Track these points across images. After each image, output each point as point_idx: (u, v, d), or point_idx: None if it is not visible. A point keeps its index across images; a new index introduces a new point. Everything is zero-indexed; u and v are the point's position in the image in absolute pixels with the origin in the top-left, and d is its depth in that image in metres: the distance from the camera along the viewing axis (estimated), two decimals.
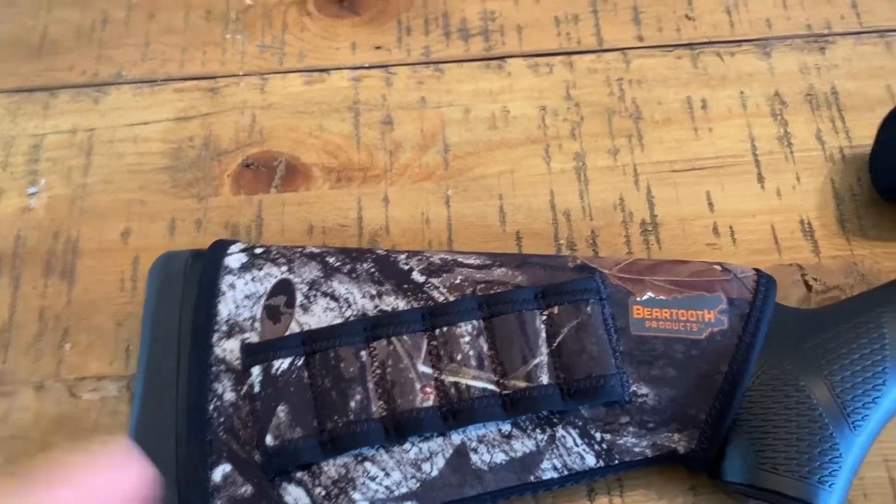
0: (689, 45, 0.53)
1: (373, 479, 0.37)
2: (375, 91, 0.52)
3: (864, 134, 0.49)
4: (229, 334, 0.40)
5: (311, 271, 0.41)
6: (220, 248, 0.42)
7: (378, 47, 0.54)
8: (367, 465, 0.38)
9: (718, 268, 0.41)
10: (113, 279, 0.47)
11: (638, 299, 0.40)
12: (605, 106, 0.51)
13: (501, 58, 0.53)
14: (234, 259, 0.41)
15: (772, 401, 0.38)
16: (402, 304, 0.40)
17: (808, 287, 0.45)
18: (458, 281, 0.41)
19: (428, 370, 0.38)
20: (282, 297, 0.40)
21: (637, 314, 0.40)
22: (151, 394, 0.40)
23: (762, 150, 0.49)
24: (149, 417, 0.39)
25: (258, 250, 0.42)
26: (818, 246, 0.46)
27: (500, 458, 0.38)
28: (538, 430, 0.38)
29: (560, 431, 0.38)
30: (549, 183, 0.49)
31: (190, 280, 0.41)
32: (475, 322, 0.39)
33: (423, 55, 0.53)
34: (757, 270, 0.41)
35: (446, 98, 0.52)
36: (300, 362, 0.38)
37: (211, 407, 0.39)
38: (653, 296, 0.40)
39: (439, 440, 0.38)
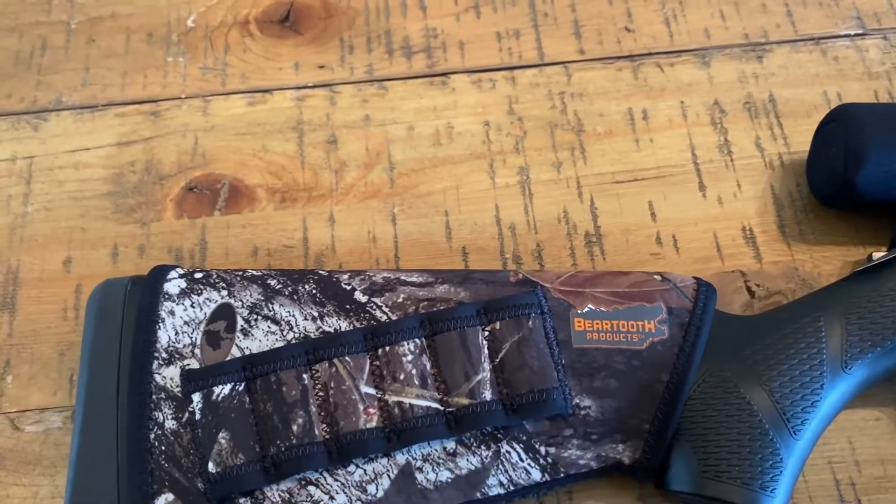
0: (630, 57, 0.53)
1: (317, 503, 0.37)
2: (319, 110, 0.52)
3: (802, 140, 0.50)
4: (169, 361, 0.40)
5: (252, 294, 0.41)
6: (160, 274, 0.41)
7: (321, 66, 0.54)
8: (311, 489, 0.37)
9: (658, 278, 0.41)
10: (55, 308, 0.46)
11: (579, 312, 0.40)
12: (547, 120, 0.51)
13: (444, 74, 0.53)
14: (174, 285, 0.41)
15: (713, 409, 0.38)
16: (344, 325, 0.40)
17: (751, 293, 0.46)
18: (400, 299, 0.41)
19: (371, 391, 0.38)
20: (222, 322, 0.40)
21: (578, 327, 0.40)
22: (91, 424, 0.39)
23: (703, 159, 0.50)
24: (89, 448, 0.39)
25: (198, 275, 0.42)
26: (760, 252, 0.47)
27: (445, 476, 0.38)
28: (483, 447, 0.38)
29: (505, 447, 0.38)
30: (494, 198, 0.49)
31: (129, 307, 0.41)
32: (417, 340, 0.39)
33: (366, 73, 0.53)
34: (697, 279, 0.42)
35: (390, 116, 0.52)
36: (241, 387, 0.38)
37: (152, 436, 0.38)
38: (593, 308, 0.40)
39: (384, 461, 0.38)
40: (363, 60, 0.54)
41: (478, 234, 0.48)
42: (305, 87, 0.53)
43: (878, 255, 0.43)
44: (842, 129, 0.44)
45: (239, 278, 0.41)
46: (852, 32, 0.53)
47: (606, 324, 0.40)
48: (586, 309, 0.40)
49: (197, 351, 0.40)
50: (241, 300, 0.41)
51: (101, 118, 0.52)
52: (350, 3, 0.56)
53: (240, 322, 0.40)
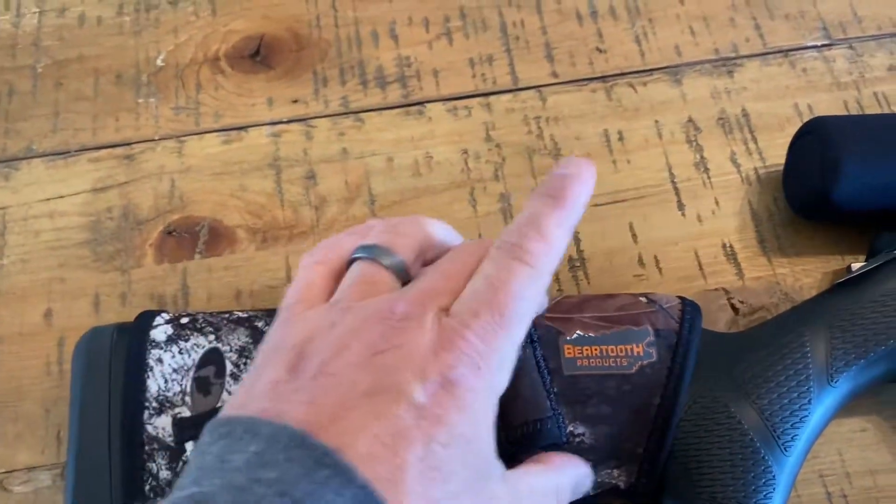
0: (603, 78, 0.53)
1: None
2: (296, 146, 0.52)
3: (777, 153, 0.50)
4: (160, 411, 0.39)
5: (240, 338, 0.41)
6: (146, 320, 0.41)
7: (295, 101, 0.53)
8: None
9: (644, 300, 0.41)
10: (38, 363, 0.46)
11: (568, 338, 0.40)
12: (525, 145, 0.51)
13: (420, 103, 0.53)
14: (161, 331, 0.41)
15: (704, 430, 0.38)
16: None
17: (735, 310, 0.46)
18: None
19: None
20: (211, 368, 0.40)
21: (568, 353, 0.40)
22: (84, 479, 0.39)
23: (680, 178, 0.50)
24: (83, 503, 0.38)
25: (184, 320, 0.41)
26: (741, 268, 0.47)
27: None
28: None
29: None
30: (477, 226, 0.49)
31: (117, 356, 0.40)
32: None
33: (341, 106, 0.53)
34: (682, 298, 0.42)
35: (368, 148, 0.52)
36: None
37: (147, 487, 0.38)
38: (582, 334, 0.40)
39: None
40: (337, 93, 0.54)
41: None
42: (280, 122, 0.53)
43: (857, 265, 0.43)
44: (817, 141, 0.45)
45: (226, 321, 0.41)
46: (819, 43, 0.54)
47: (595, 349, 0.40)
48: (575, 335, 0.40)
49: (187, 398, 0.39)
50: (228, 344, 0.40)
51: (75, 164, 0.52)
52: (321, 35, 0.56)
53: (229, 367, 0.40)
